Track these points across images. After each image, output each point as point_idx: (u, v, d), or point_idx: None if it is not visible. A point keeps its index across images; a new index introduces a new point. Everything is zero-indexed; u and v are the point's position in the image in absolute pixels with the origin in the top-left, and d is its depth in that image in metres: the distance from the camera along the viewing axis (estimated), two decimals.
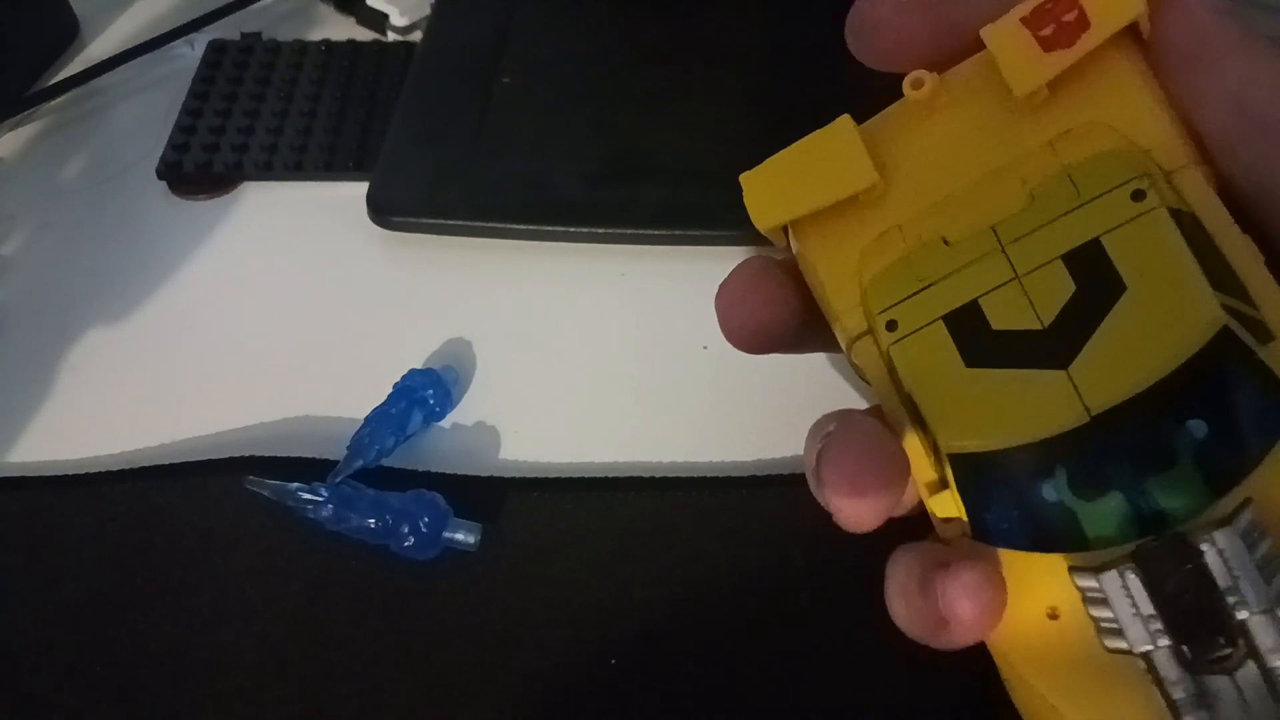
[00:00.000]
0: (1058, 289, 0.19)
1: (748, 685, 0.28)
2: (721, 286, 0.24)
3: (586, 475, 0.32)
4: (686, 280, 0.37)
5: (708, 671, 0.28)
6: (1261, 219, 0.19)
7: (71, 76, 0.44)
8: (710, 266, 0.37)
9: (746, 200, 0.22)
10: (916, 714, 0.27)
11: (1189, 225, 0.19)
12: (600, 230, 0.38)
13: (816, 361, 0.33)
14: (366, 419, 0.33)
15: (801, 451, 0.32)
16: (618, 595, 0.30)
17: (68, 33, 0.47)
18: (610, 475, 0.32)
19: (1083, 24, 0.19)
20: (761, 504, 0.31)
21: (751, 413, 0.33)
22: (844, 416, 0.21)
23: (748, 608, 0.29)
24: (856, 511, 0.21)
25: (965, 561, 0.19)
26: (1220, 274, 0.18)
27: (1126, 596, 0.18)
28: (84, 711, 0.29)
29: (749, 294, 0.23)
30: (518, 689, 0.29)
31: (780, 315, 0.23)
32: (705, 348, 0.35)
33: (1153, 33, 0.20)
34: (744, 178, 0.23)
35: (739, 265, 0.24)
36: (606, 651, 0.29)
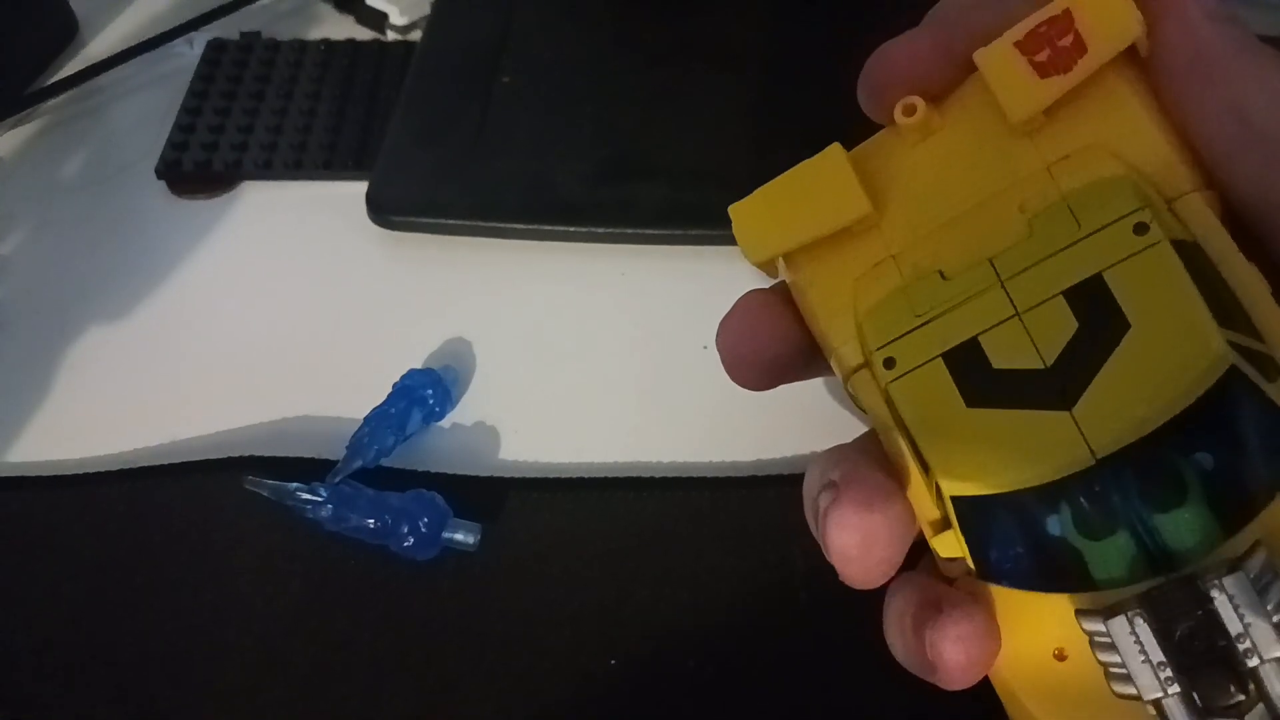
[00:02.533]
0: (1060, 326, 0.18)
1: (747, 685, 0.28)
2: (722, 325, 0.23)
3: (586, 475, 0.32)
4: (686, 280, 0.37)
5: (707, 671, 0.28)
6: (1264, 231, 0.19)
7: (71, 76, 0.44)
8: (710, 266, 0.38)
9: (736, 233, 0.22)
10: (916, 715, 0.27)
11: (1193, 256, 0.18)
12: (600, 230, 0.38)
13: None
14: (366, 419, 0.33)
15: (801, 451, 0.33)
16: (618, 595, 0.30)
17: (67, 32, 0.47)
18: (610, 475, 0.32)
19: (1079, 48, 0.19)
20: (761, 504, 0.31)
21: (751, 413, 0.33)
22: (848, 467, 0.21)
23: (747, 608, 0.29)
24: (864, 577, 0.20)
25: (957, 610, 0.19)
26: (1226, 307, 0.18)
27: (1135, 643, 0.17)
28: (84, 711, 0.29)
29: (753, 334, 0.22)
30: (518, 689, 0.29)
31: (784, 352, 0.22)
32: (705, 348, 0.35)
33: (1151, 44, 0.20)
34: (733, 210, 0.22)
35: (738, 302, 0.23)
36: (606, 651, 0.29)
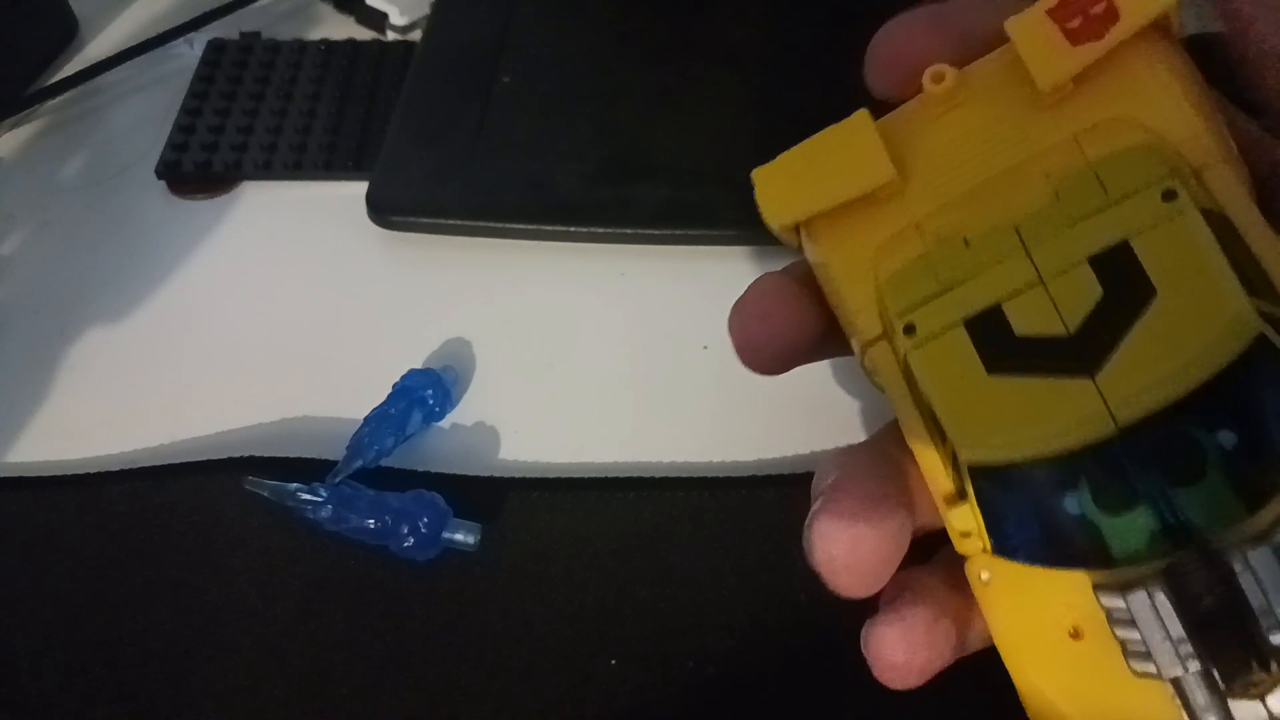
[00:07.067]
0: (1084, 293, 0.18)
1: (747, 686, 0.28)
2: (736, 309, 0.23)
3: (586, 475, 0.32)
4: (686, 280, 0.37)
5: (707, 671, 0.28)
6: None
7: (71, 76, 0.44)
8: (710, 266, 0.38)
9: (758, 197, 0.22)
10: (916, 716, 0.27)
11: (1220, 226, 0.18)
12: (600, 230, 0.38)
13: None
14: (366, 419, 0.33)
15: (801, 451, 0.33)
16: (618, 595, 0.30)
17: (67, 32, 0.47)
18: (610, 475, 0.32)
19: (1111, 16, 0.19)
20: (761, 504, 0.31)
21: (751, 413, 0.33)
22: (841, 473, 0.20)
23: (747, 608, 0.29)
24: (850, 587, 0.20)
25: (893, 612, 0.19)
26: (1253, 277, 0.18)
27: (1155, 618, 0.17)
28: (84, 711, 0.29)
29: (768, 317, 0.22)
30: (518, 689, 0.29)
31: (800, 335, 0.22)
32: (705, 348, 0.35)
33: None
34: (756, 174, 0.22)
35: (752, 286, 0.23)
36: (606, 651, 0.29)
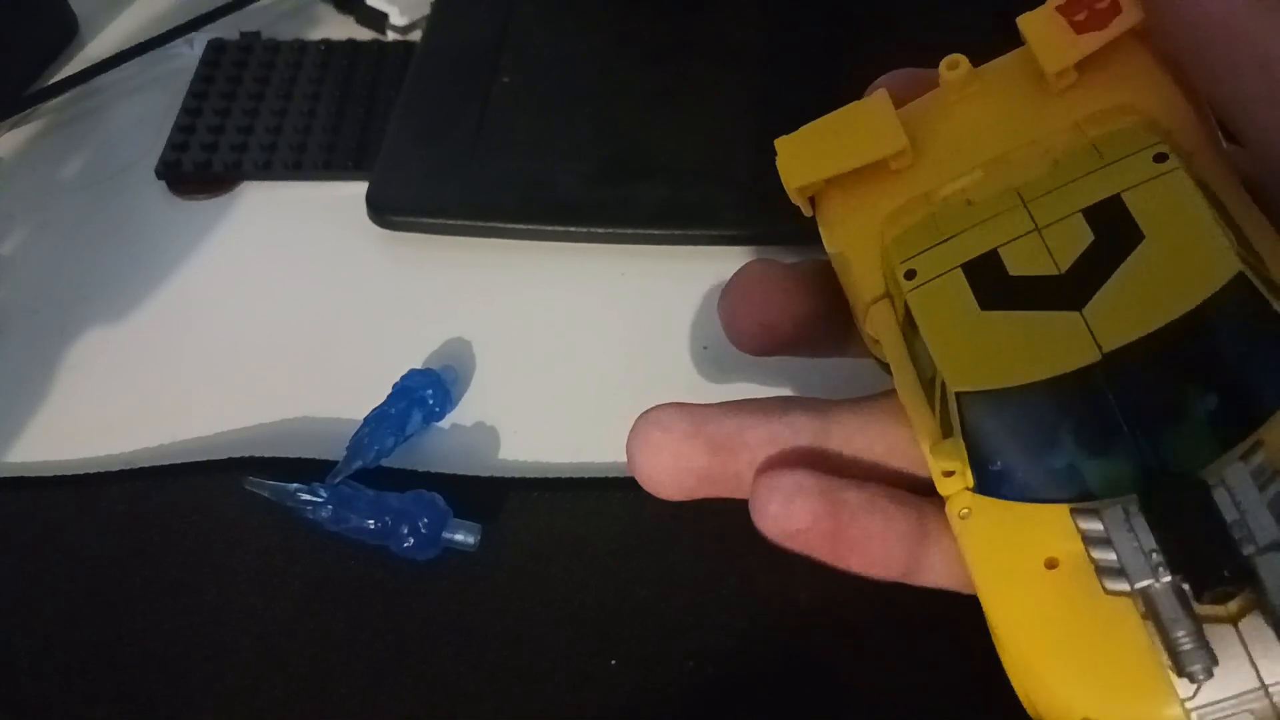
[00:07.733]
0: (1076, 239, 0.19)
1: (747, 686, 0.28)
2: (725, 289, 0.24)
3: (586, 475, 0.32)
4: (686, 280, 0.37)
5: (707, 671, 0.28)
6: None
7: (70, 76, 0.44)
8: (710, 266, 0.38)
9: (779, 163, 0.23)
10: (916, 715, 0.27)
11: (1209, 196, 0.19)
12: (600, 230, 0.38)
13: (818, 363, 0.33)
14: (366, 419, 0.33)
15: None
16: (618, 595, 0.30)
17: (67, 32, 0.47)
18: (610, 475, 0.32)
19: (1114, 9, 0.21)
20: None
21: None
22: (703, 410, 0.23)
23: (747, 608, 0.29)
24: (643, 484, 0.23)
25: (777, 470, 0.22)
26: (1239, 243, 0.19)
27: (1128, 531, 0.17)
28: (84, 711, 0.29)
29: (752, 295, 0.24)
30: (518, 689, 0.29)
31: (784, 315, 0.23)
32: (705, 348, 0.35)
33: (1181, 6, 0.21)
34: (778, 142, 0.23)
35: (741, 269, 0.24)
36: (606, 651, 0.29)
